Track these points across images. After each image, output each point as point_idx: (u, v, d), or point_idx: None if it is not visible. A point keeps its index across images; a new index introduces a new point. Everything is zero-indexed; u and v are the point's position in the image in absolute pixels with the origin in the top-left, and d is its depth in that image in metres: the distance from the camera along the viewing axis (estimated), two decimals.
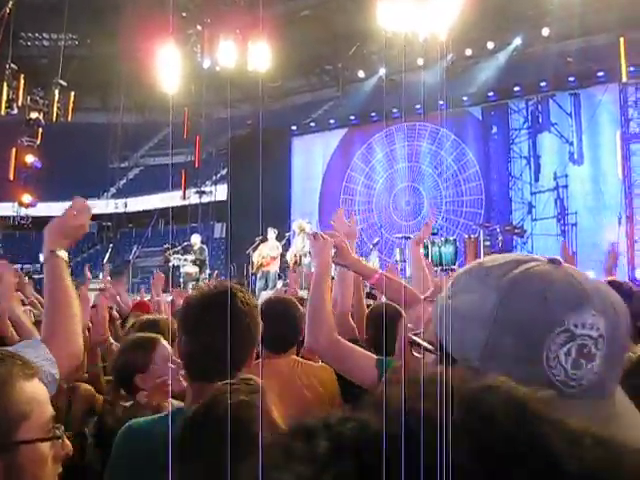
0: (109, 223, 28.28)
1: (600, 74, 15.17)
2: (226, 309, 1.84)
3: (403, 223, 17.47)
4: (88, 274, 8.01)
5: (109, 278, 9.12)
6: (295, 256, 13.55)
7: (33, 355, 1.82)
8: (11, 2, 17.11)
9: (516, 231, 14.39)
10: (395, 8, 16.63)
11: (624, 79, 14.53)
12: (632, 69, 14.48)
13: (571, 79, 15.56)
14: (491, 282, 0.83)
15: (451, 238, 13.95)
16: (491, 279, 0.83)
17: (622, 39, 14.34)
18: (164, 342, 2.77)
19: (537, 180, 16.25)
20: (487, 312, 0.80)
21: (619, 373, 0.81)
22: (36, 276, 21.23)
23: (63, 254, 2.21)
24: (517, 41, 18.58)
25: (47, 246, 2.21)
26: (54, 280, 2.14)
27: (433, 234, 14.24)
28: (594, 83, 15.29)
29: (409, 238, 13.96)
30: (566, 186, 15.54)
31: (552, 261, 0.86)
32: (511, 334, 0.78)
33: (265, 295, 12.32)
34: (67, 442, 1.33)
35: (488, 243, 13.58)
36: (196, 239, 15.84)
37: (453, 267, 13.34)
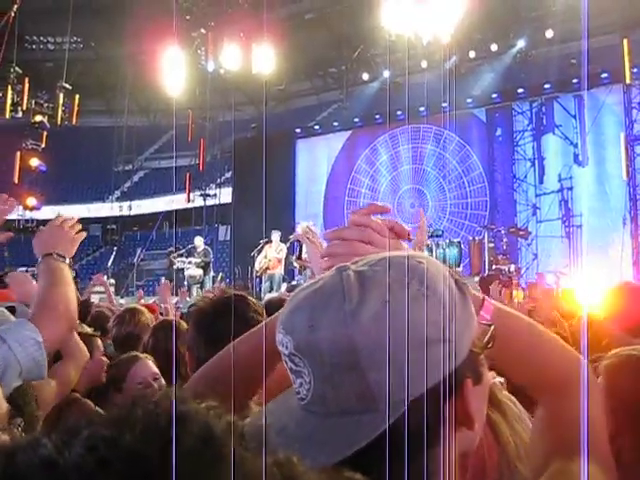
0: (114, 226, 28.30)
1: (604, 76, 15.15)
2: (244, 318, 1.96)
3: (408, 225, 17.42)
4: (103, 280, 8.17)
5: (112, 281, 9.21)
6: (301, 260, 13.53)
7: (13, 339, 1.82)
8: (16, 6, 17.14)
9: (520, 233, 14.36)
10: (398, 11, 16.65)
11: (628, 80, 14.52)
12: (635, 70, 14.48)
13: (575, 81, 15.54)
14: None
15: (455, 240, 13.93)
16: None
17: (625, 40, 14.33)
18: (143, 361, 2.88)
19: (542, 182, 16.24)
20: None
21: (346, 392, 0.77)
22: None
23: (58, 258, 2.18)
24: (521, 43, 18.58)
25: (40, 252, 2.19)
26: (47, 271, 2.13)
27: (437, 236, 14.24)
28: (598, 85, 15.26)
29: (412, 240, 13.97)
30: (571, 188, 15.52)
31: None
32: None
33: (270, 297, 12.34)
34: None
35: (492, 245, 13.55)
36: (199, 241, 15.85)
37: (458, 269, 13.33)
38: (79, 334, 3.51)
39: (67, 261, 2.17)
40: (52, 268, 2.11)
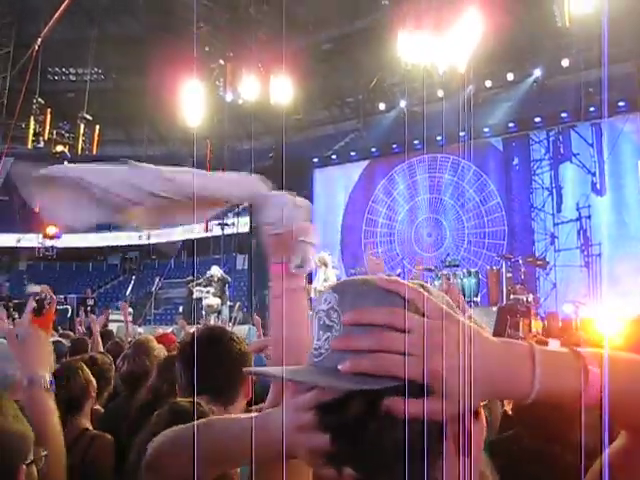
0: (133, 254, 28.51)
1: (621, 104, 15.13)
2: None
3: (425, 255, 17.44)
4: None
5: (130, 310, 9.31)
6: (316, 290, 13.50)
7: None
8: (40, 39, 17.46)
9: (538, 263, 14.30)
10: (414, 40, 16.77)
11: None
12: None
13: (592, 109, 15.53)
14: None
15: (473, 270, 13.88)
16: None
17: None
18: None
19: (559, 211, 16.18)
20: None
21: None
22: (58, 307, 21.45)
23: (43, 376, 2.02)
24: (537, 72, 18.61)
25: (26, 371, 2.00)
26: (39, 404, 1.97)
27: (455, 266, 14.21)
28: (615, 113, 15.24)
29: (431, 270, 13.94)
30: (589, 217, 15.45)
31: None
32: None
33: None
34: None
35: (510, 275, 13.48)
36: (216, 271, 15.91)
37: (476, 299, 13.27)
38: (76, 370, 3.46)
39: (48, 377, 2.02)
40: (43, 402, 1.98)
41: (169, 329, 13.30)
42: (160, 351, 4.15)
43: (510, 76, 18.67)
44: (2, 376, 1.94)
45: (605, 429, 0.84)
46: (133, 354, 3.81)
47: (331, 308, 0.84)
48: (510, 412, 3.32)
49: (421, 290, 0.81)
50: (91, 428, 3.12)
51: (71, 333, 7.14)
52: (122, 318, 15.57)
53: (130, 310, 17.96)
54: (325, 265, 13.67)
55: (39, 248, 23.10)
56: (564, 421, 2.22)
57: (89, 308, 19.00)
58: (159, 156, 30.05)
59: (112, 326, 15.55)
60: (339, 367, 0.77)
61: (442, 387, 0.74)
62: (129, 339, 7.21)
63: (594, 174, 15.68)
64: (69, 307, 19.62)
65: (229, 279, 16.16)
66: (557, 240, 16.02)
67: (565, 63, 17.48)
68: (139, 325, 15.88)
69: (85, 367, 3.32)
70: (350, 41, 21.06)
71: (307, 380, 0.84)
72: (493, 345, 0.79)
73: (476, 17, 15.33)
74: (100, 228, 29.56)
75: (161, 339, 5.72)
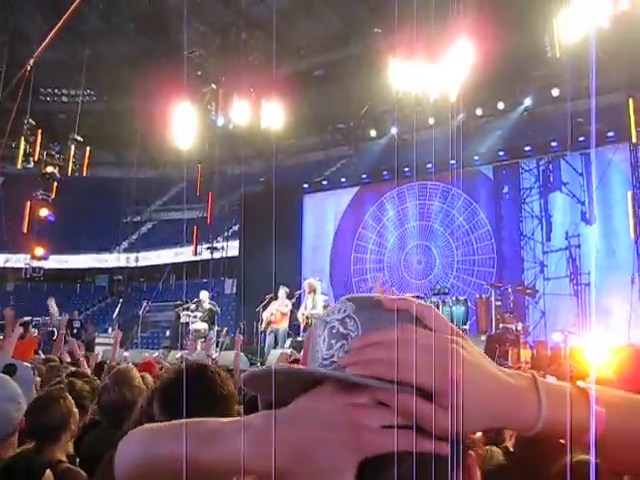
0: (120, 277, 28.36)
1: (610, 134, 15.21)
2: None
3: (414, 282, 17.40)
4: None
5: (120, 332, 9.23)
6: (304, 316, 13.42)
7: None
8: (32, 60, 17.47)
9: (527, 291, 14.28)
10: (406, 68, 16.90)
11: (634, 139, 14.57)
12: None
13: (581, 139, 15.62)
14: None
15: (462, 298, 13.84)
16: None
17: (631, 100, 14.43)
18: None
19: (549, 239, 16.20)
20: None
21: None
22: (47, 328, 21.27)
23: None
24: (527, 101, 18.81)
25: None
26: None
27: (444, 294, 14.18)
28: (604, 143, 15.31)
29: (420, 297, 13.89)
30: (578, 246, 15.46)
31: None
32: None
33: (275, 353, 12.21)
34: None
35: (499, 303, 13.44)
36: (205, 296, 15.83)
37: (464, 327, 13.21)
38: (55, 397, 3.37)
39: None
40: None
41: (155, 353, 13.20)
42: (146, 379, 4.07)
43: (501, 105, 18.85)
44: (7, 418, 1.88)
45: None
46: (112, 384, 3.71)
47: (347, 316, 0.83)
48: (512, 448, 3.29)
49: (432, 307, 0.82)
50: (65, 461, 3.02)
51: (55, 357, 7.00)
52: (110, 342, 15.48)
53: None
54: (314, 292, 13.59)
55: (26, 269, 22.91)
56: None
57: (75, 330, 18.81)
58: (149, 179, 30.08)
59: (98, 349, 15.46)
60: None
61: (452, 399, 0.73)
62: (114, 363, 7.12)
63: (583, 203, 15.73)
64: (55, 329, 19.42)
65: (218, 310, 16.04)
66: (546, 269, 16.01)
67: (555, 92, 17.66)
68: (125, 349, 15.72)
69: (69, 397, 3.23)
70: (342, 67, 21.23)
71: (338, 376, 0.79)
72: (498, 370, 0.78)
73: (467, 46, 15.47)
74: (87, 249, 29.47)
75: (143, 368, 5.61)
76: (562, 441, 0.80)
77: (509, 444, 3.77)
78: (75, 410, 3.18)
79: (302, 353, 0.86)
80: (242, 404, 2.44)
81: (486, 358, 0.78)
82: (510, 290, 13.70)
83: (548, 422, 0.76)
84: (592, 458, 0.80)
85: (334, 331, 0.82)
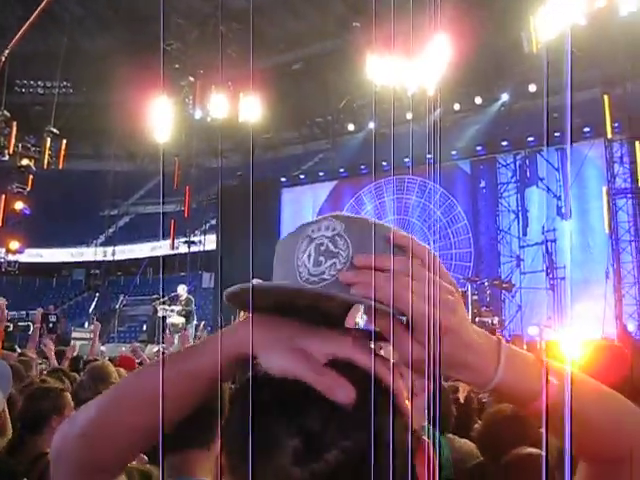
0: (97, 271, 28.16)
1: (586, 130, 15.34)
2: None
3: None
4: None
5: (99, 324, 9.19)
6: None
7: None
8: (7, 51, 17.28)
9: (504, 286, 14.38)
10: (384, 63, 16.92)
11: (609, 135, 14.71)
12: (616, 125, 14.67)
13: (557, 134, 15.71)
14: None
15: None
16: None
17: (606, 97, 14.56)
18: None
19: (525, 234, 16.32)
20: None
21: None
22: (21, 324, 21.08)
23: None
24: (504, 96, 18.91)
25: None
26: None
27: None
28: (580, 139, 15.44)
29: None
30: (554, 240, 15.59)
31: None
32: (277, 262, 0.88)
33: None
34: None
35: (476, 297, 13.52)
36: (182, 290, 15.78)
37: None
38: (48, 388, 3.37)
39: None
40: None
41: (129, 348, 13.11)
42: (122, 375, 4.03)
43: (478, 100, 18.94)
44: None
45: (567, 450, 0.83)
46: (88, 381, 3.65)
47: (337, 234, 0.81)
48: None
49: (430, 250, 0.82)
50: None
51: (28, 353, 6.90)
52: (87, 336, 15.34)
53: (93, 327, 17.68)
54: None
55: (1, 263, 22.69)
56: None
57: (51, 325, 18.66)
58: (126, 172, 29.87)
59: (75, 343, 15.33)
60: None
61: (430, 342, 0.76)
62: (91, 358, 7.08)
63: (560, 198, 15.86)
64: (31, 323, 19.26)
65: (193, 307, 15.97)
66: (523, 263, 16.14)
67: (532, 88, 17.76)
68: (102, 343, 15.64)
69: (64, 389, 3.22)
70: (320, 62, 21.20)
71: (331, 293, 0.79)
72: (471, 325, 0.81)
73: (445, 41, 15.53)
74: (64, 243, 29.22)
75: (120, 363, 5.55)
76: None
77: (461, 397, 3.99)
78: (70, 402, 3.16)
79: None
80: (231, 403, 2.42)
81: (467, 318, 0.81)
82: (487, 284, 13.80)
83: (502, 383, 0.80)
84: (544, 431, 0.82)
85: (322, 248, 0.81)
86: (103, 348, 13.29)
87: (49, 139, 19.34)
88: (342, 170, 19.58)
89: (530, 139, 16.33)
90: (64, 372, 4.71)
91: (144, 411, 0.86)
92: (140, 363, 6.64)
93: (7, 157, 18.89)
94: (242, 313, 0.88)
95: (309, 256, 0.82)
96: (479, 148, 17.39)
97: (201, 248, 23.14)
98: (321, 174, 20.03)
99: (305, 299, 0.81)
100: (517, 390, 0.82)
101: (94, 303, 23.44)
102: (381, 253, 0.79)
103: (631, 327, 13.56)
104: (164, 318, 15.48)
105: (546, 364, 0.83)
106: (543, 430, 0.82)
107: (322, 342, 0.79)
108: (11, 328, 15.82)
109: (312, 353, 0.79)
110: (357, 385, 0.75)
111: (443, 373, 0.81)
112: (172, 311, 15.37)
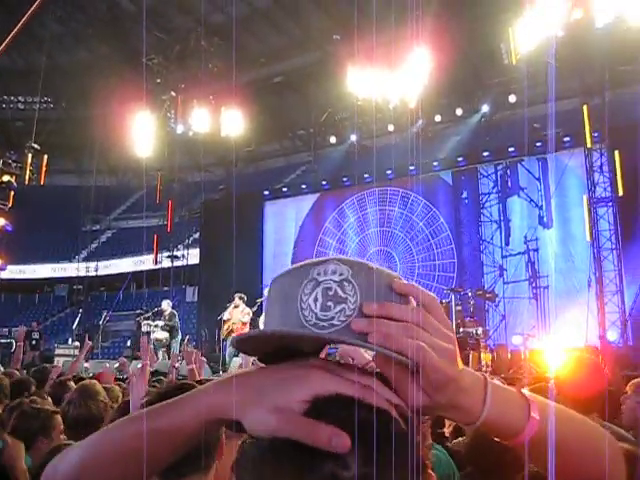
0: (80, 286, 27.96)
1: (566, 139, 15.47)
2: None
3: None
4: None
5: (77, 343, 9.12)
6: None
7: None
8: None
9: (487, 296, 14.43)
10: (365, 75, 17.00)
11: (589, 145, 14.82)
12: (596, 135, 14.79)
13: (538, 144, 15.84)
14: None
15: None
16: None
17: (585, 106, 14.69)
18: None
19: (507, 244, 16.38)
20: None
21: None
22: (3, 341, 20.90)
23: None
24: (485, 107, 19.06)
25: None
26: None
27: None
28: (561, 148, 15.56)
29: None
30: (537, 249, 15.65)
31: None
32: (277, 301, 0.86)
33: (236, 361, 12.19)
34: None
35: (460, 308, 13.53)
36: (166, 305, 15.71)
37: None
38: (38, 409, 3.38)
39: None
40: None
41: (116, 364, 13.04)
42: (113, 392, 4.02)
43: (459, 111, 19.07)
44: None
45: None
46: (78, 399, 3.65)
47: (345, 280, 0.81)
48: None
49: (435, 297, 0.84)
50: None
51: (16, 372, 6.82)
52: (71, 353, 15.21)
53: (77, 344, 17.56)
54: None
55: None
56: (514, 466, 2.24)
57: (34, 342, 18.52)
58: (108, 187, 29.76)
59: (58, 360, 15.22)
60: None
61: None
62: (72, 375, 7.00)
63: (541, 207, 15.95)
64: (13, 341, 19.10)
65: (177, 322, 15.88)
66: (506, 272, 16.18)
67: (512, 99, 17.91)
68: (86, 359, 15.52)
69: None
70: (301, 74, 21.26)
71: (349, 341, 0.80)
72: (464, 367, 0.84)
73: (426, 53, 15.63)
74: (46, 258, 29.01)
75: (97, 379, 5.45)
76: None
77: (447, 431, 4.01)
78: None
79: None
80: None
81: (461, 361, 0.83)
82: (470, 294, 13.82)
83: (488, 420, 0.84)
84: (526, 457, 0.87)
85: (330, 292, 0.80)
86: (87, 365, 13.21)
87: (30, 155, 19.22)
88: (324, 182, 19.59)
89: (511, 149, 16.43)
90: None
91: (122, 465, 0.86)
92: (125, 379, 6.60)
93: None
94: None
95: (315, 300, 0.81)
96: (460, 159, 17.45)
97: (184, 262, 23.06)
98: (304, 187, 20.03)
99: (315, 344, 0.83)
100: (501, 426, 0.86)
101: (77, 319, 23.23)
102: (388, 301, 0.80)
103: (614, 335, 13.63)
104: (148, 333, 15.40)
105: (528, 399, 0.87)
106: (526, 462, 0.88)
107: (299, 388, 0.79)
108: None
109: (291, 406, 0.78)
110: (353, 421, 0.75)
111: (434, 414, 0.86)
112: (156, 326, 15.30)
